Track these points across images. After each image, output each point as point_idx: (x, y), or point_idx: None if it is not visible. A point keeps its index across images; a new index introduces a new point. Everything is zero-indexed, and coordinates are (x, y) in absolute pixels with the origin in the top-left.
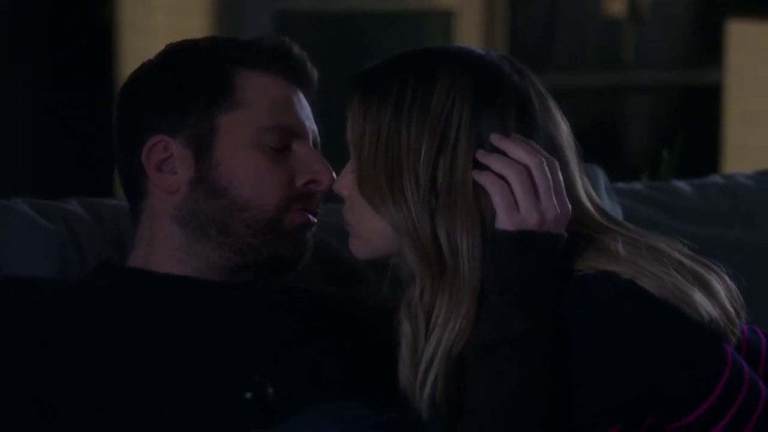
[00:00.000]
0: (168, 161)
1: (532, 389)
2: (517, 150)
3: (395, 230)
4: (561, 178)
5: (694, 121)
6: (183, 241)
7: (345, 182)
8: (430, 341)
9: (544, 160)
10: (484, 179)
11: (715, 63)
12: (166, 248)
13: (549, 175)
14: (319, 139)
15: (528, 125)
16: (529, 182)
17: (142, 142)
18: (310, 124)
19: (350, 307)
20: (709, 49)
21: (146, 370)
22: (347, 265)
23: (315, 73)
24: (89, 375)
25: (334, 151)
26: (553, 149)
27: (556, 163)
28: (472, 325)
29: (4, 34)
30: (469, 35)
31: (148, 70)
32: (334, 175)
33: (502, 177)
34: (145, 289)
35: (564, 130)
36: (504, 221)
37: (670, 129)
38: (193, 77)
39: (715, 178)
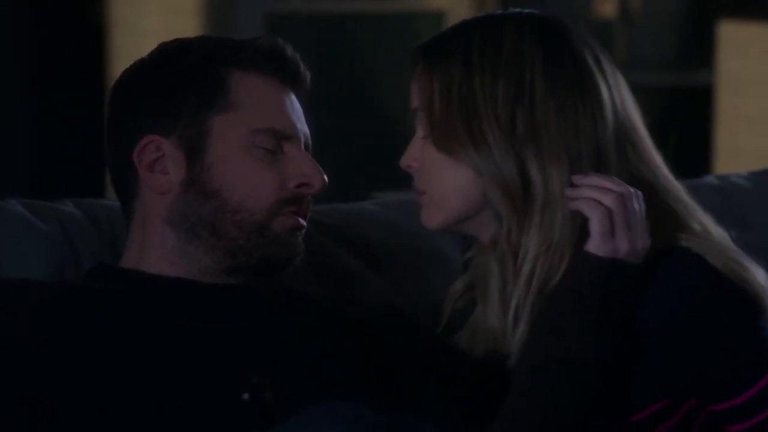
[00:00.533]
0: (160, 161)
1: (580, 410)
2: (606, 181)
3: (480, 175)
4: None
5: (685, 123)
6: (175, 243)
7: (412, 153)
8: (520, 279)
9: (633, 191)
10: (581, 203)
11: (705, 65)
12: (158, 250)
13: (641, 206)
14: (310, 141)
15: (600, 65)
16: (625, 211)
17: (134, 142)
18: (302, 127)
19: (347, 308)
20: (700, 50)
21: (145, 371)
22: (343, 266)
23: (308, 75)
24: (88, 376)
25: (325, 153)
26: (622, 103)
27: (641, 194)
28: (566, 256)
29: None
30: None
31: (140, 69)
32: (325, 177)
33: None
34: (142, 291)
35: (624, 83)
36: (597, 246)
37: (661, 130)
38: (186, 77)
39: (709, 179)
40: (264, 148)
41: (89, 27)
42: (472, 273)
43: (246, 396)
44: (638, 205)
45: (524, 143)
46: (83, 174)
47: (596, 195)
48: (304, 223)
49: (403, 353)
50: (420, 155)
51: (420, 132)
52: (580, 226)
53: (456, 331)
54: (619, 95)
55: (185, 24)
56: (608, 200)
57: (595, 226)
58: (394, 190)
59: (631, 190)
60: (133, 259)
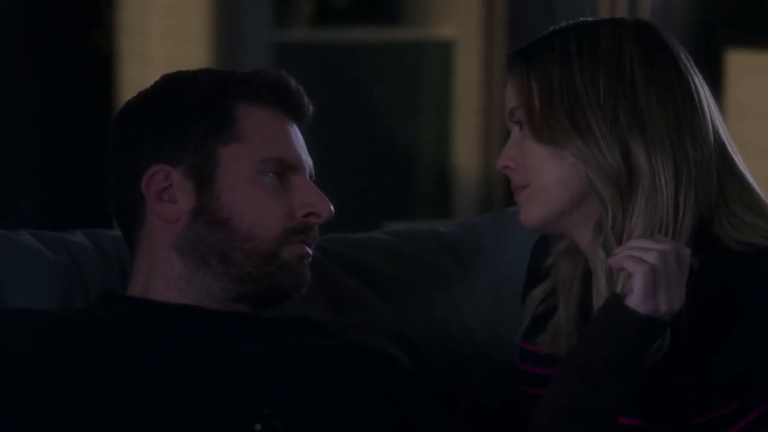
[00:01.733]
0: (168, 190)
1: None
2: (649, 241)
3: (585, 164)
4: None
5: None
6: (183, 271)
7: (509, 154)
8: None
9: (676, 247)
10: (625, 260)
11: (713, 93)
12: (165, 278)
13: (683, 263)
14: (313, 172)
15: (692, 64)
16: (667, 268)
17: (142, 171)
18: (306, 158)
19: (353, 334)
20: (707, 79)
21: (150, 399)
22: (349, 291)
23: (311, 108)
24: (94, 404)
25: (333, 183)
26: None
27: (687, 251)
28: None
29: (1, 63)
30: (468, 65)
31: (146, 99)
32: (331, 207)
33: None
34: (149, 318)
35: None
36: (640, 303)
37: None
38: (193, 108)
39: None
40: (271, 178)
41: (97, 56)
42: (554, 278)
43: (258, 427)
44: (681, 262)
45: (629, 131)
46: (92, 205)
47: (640, 253)
48: (311, 252)
49: (408, 379)
50: (517, 154)
51: (516, 132)
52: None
53: (537, 334)
54: (708, 95)
55: (192, 53)
56: (652, 257)
57: (639, 282)
58: (403, 220)
59: (674, 246)
60: (139, 288)
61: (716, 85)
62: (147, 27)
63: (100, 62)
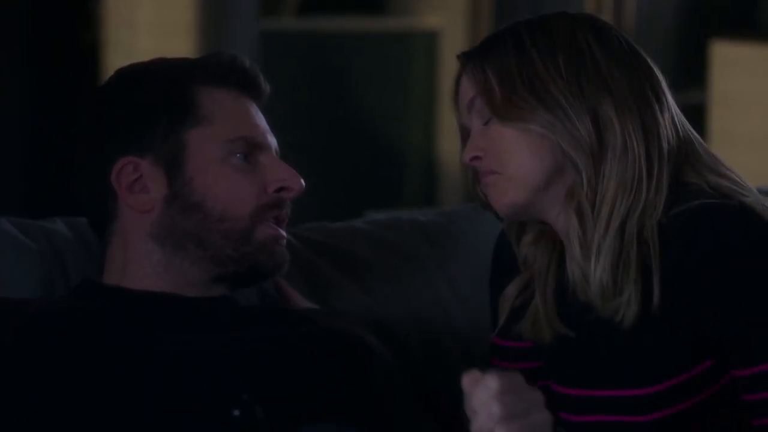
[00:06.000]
0: (139, 181)
1: None
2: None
3: (555, 134)
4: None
5: None
6: (161, 258)
7: (475, 144)
8: (599, 222)
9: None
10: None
11: (698, 84)
12: (142, 267)
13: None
14: (278, 150)
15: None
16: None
17: (110, 165)
18: (271, 136)
19: (334, 321)
20: (692, 70)
21: (130, 389)
22: (328, 279)
23: (267, 87)
24: (71, 396)
25: (317, 171)
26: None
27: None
28: (641, 195)
29: None
30: (454, 55)
31: (105, 94)
32: (302, 181)
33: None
34: (128, 307)
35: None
36: None
37: None
38: (155, 97)
39: None
40: (239, 158)
41: (82, 48)
42: (526, 273)
43: (237, 412)
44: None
45: (595, 97)
46: (73, 193)
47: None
48: (284, 234)
49: (387, 368)
50: (485, 143)
51: (478, 121)
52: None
53: (509, 328)
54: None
55: (179, 44)
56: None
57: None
58: (387, 209)
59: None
60: (115, 277)
61: (701, 76)
62: (134, 19)
63: (87, 54)
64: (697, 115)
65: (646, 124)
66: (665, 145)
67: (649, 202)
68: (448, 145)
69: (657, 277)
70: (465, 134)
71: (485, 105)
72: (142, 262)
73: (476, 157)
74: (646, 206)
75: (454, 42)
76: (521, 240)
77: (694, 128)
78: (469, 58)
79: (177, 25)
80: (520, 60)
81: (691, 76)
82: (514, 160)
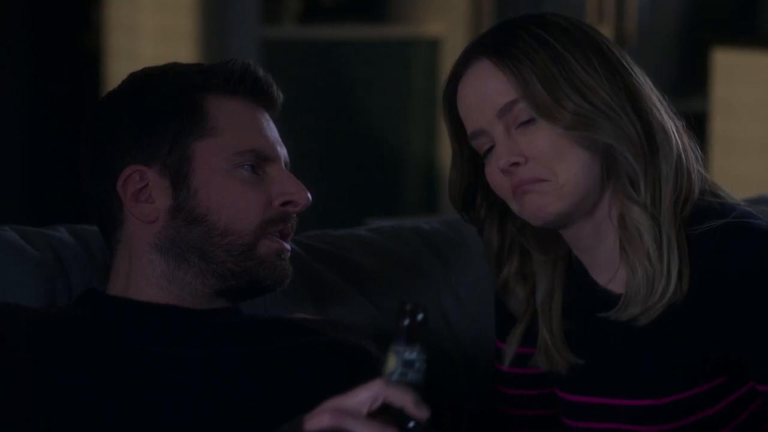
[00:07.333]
0: (144, 190)
1: None
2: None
3: (617, 141)
4: None
5: None
6: (164, 269)
7: (517, 149)
8: (663, 215)
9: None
10: None
11: (700, 91)
12: (146, 277)
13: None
14: (288, 161)
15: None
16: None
17: (117, 173)
18: (281, 147)
19: (333, 332)
20: (694, 77)
21: (128, 400)
22: (331, 288)
23: (281, 96)
24: (69, 404)
25: (318, 179)
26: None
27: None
28: (693, 177)
29: None
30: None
31: (115, 99)
32: (309, 195)
33: None
34: (128, 318)
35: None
36: None
37: None
38: (163, 106)
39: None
40: (247, 170)
41: (85, 53)
42: (527, 314)
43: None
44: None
45: (636, 99)
46: (77, 200)
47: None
48: (288, 247)
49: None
50: (528, 147)
51: (506, 126)
52: None
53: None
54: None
55: (180, 50)
56: None
57: None
58: (388, 217)
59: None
60: (119, 287)
61: (702, 83)
62: (136, 24)
63: (89, 59)
64: (698, 122)
65: (675, 123)
66: (689, 146)
67: (693, 186)
68: (450, 153)
69: (686, 294)
70: (460, 140)
71: (529, 108)
72: (146, 272)
73: (516, 163)
74: (691, 193)
75: (455, 50)
76: (502, 270)
77: (696, 136)
78: (483, 54)
79: (178, 30)
80: (551, 58)
81: (693, 83)
82: (567, 166)
